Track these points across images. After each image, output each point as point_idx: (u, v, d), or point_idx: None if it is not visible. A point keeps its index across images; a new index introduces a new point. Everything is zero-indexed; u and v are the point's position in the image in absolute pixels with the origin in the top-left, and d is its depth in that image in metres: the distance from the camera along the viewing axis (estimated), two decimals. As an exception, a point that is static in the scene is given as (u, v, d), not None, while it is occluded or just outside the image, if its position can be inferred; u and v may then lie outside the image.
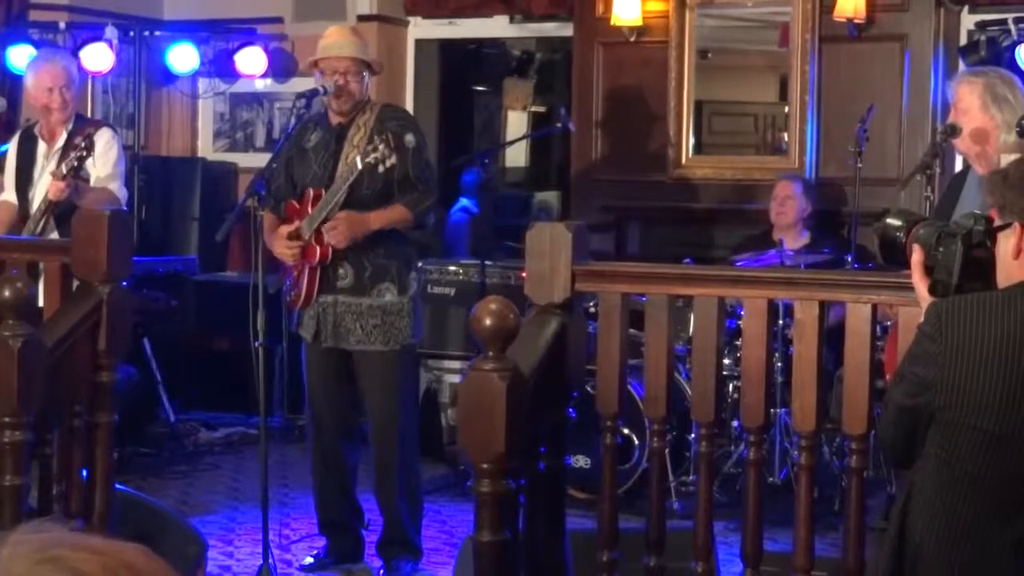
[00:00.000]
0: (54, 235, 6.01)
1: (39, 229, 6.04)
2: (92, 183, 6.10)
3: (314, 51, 5.71)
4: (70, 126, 6.21)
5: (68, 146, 6.07)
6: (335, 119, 5.65)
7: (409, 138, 5.52)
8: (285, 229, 5.59)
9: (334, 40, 5.65)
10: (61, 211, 5.96)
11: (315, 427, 5.78)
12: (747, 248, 7.36)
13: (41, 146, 6.26)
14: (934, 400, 2.99)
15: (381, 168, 5.32)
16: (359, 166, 5.32)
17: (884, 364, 4.99)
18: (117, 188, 6.18)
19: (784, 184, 7.57)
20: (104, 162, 6.15)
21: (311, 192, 5.56)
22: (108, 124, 6.62)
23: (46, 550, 1.50)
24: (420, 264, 6.19)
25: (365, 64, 5.61)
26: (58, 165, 6.02)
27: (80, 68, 8.77)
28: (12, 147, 6.39)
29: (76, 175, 5.95)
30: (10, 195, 6.31)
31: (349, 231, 5.43)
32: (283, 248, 5.59)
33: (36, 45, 8.51)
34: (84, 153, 5.92)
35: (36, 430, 4.15)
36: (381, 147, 5.28)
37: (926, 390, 3.00)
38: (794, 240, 7.36)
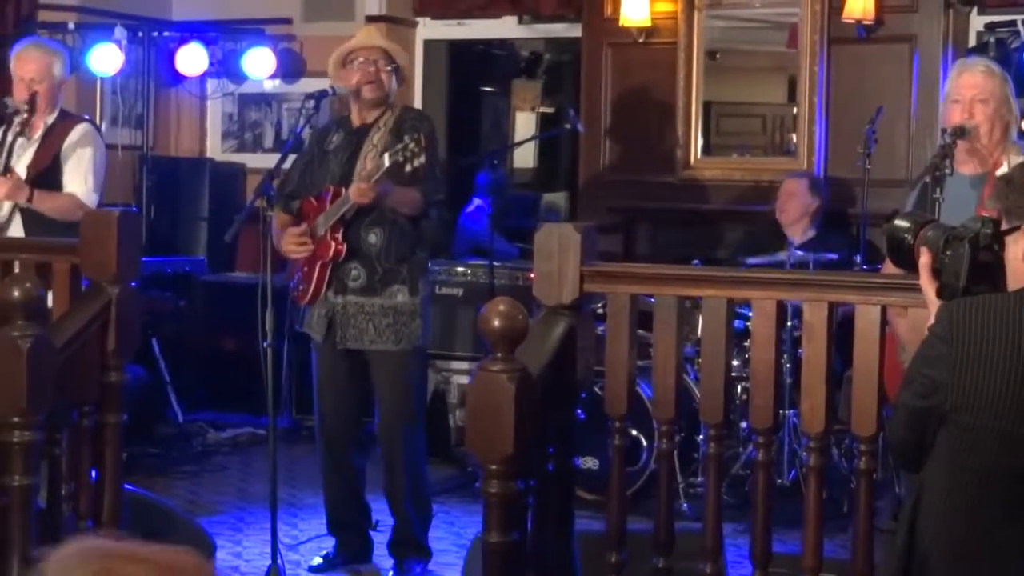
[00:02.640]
0: (17, 229, 5.83)
1: (3, 221, 5.85)
2: (64, 183, 5.90)
3: (323, 52, 5.74)
4: (49, 121, 5.99)
5: (44, 142, 5.92)
6: (357, 120, 5.66)
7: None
8: (296, 229, 5.59)
9: (365, 35, 5.76)
10: (28, 209, 5.81)
11: (323, 427, 5.78)
12: (756, 252, 7.32)
13: (21, 138, 5.96)
14: (945, 401, 2.98)
15: (408, 167, 5.28)
16: (386, 163, 5.31)
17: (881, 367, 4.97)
18: (85, 193, 5.88)
19: (788, 181, 7.56)
20: (76, 163, 5.94)
21: (331, 189, 5.56)
22: (88, 120, 6.30)
23: (96, 562, 1.52)
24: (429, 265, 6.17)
25: (394, 62, 5.63)
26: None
27: (86, 68, 8.81)
28: None
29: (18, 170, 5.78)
30: None
31: (372, 191, 5.37)
32: (292, 245, 5.58)
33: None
34: (25, 137, 5.78)
35: (45, 430, 4.15)
36: (411, 145, 5.26)
37: (937, 392, 2.99)
38: (801, 236, 7.35)
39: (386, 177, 5.35)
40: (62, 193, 5.90)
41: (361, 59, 5.60)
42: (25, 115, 5.84)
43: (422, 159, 5.27)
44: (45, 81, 5.97)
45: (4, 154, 5.85)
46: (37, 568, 1.55)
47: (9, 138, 5.87)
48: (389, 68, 5.61)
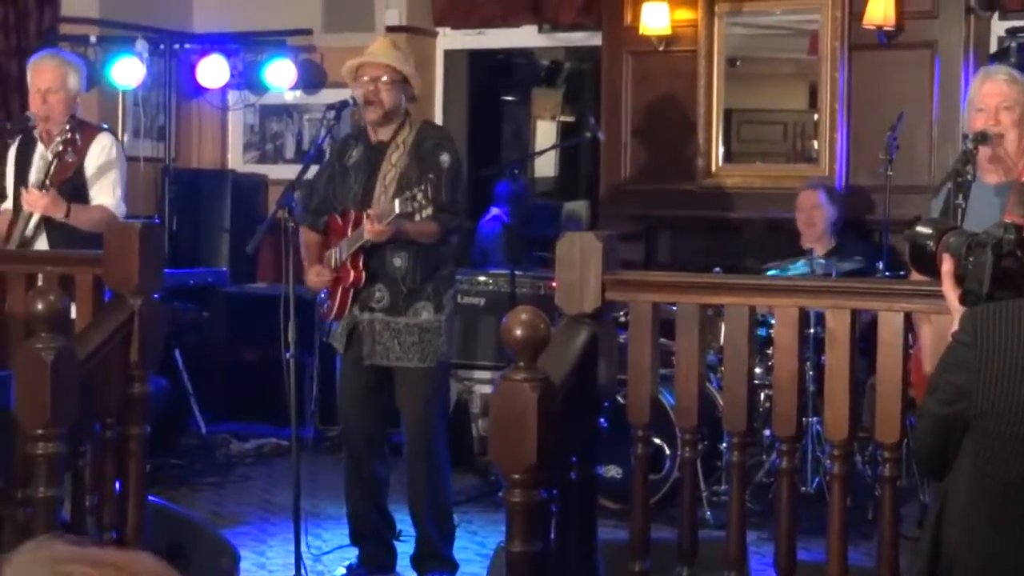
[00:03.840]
0: (43, 244, 5.80)
1: (29, 235, 5.82)
2: (92, 196, 5.88)
3: (343, 62, 5.74)
4: (68, 131, 5.86)
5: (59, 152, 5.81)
6: (374, 136, 5.66)
7: (444, 158, 5.52)
8: (317, 268, 5.67)
9: (374, 48, 5.70)
10: (54, 223, 5.78)
11: (346, 438, 5.80)
12: (778, 259, 7.31)
13: (39, 148, 5.97)
14: (970, 408, 2.97)
15: (417, 217, 5.30)
16: (396, 210, 5.30)
17: (910, 374, 4.96)
18: (115, 205, 5.89)
19: (808, 193, 7.50)
20: (102, 175, 5.92)
21: (352, 214, 5.58)
22: (106, 129, 6.25)
23: (59, 564, 1.54)
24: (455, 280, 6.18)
25: (402, 76, 5.61)
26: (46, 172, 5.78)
27: (107, 81, 8.85)
28: (12, 149, 6.10)
29: (66, 185, 5.76)
30: (9, 202, 6.02)
31: (387, 230, 5.38)
32: (316, 282, 5.69)
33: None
34: (69, 158, 5.71)
35: (69, 442, 4.16)
36: (419, 197, 5.24)
37: (962, 398, 2.98)
38: (822, 247, 7.33)
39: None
40: (94, 206, 5.89)
41: (365, 77, 5.59)
42: (68, 135, 5.79)
43: (429, 211, 5.26)
44: (60, 92, 5.93)
45: (42, 171, 5.83)
46: None
47: (48, 156, 5.85)
48: (392, 83, 5.57)
